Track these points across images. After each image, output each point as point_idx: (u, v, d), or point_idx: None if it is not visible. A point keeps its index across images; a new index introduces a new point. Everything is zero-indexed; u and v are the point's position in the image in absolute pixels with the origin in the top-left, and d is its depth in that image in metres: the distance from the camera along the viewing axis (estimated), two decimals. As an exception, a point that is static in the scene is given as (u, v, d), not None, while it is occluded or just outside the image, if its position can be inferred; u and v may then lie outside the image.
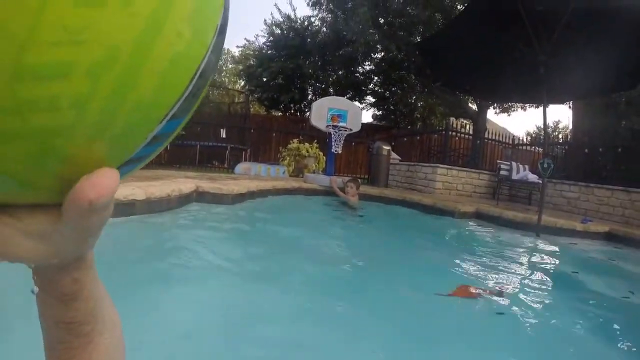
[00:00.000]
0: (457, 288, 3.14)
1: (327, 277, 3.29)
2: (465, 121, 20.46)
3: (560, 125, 35.14)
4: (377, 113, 22.28)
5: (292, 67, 18.60)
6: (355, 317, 2.52)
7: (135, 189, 4.31)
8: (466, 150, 13.55)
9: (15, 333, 1.62)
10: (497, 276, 3.90)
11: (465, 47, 7.10)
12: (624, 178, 9.05)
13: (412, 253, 4.72)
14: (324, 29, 20.17)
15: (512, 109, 20.54)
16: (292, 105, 20.24)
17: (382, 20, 17.33)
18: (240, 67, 26.33)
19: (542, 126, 6.91)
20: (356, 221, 6.64)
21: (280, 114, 21.26)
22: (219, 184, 5.96)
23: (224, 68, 40.34)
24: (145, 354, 1.58)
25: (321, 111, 9.46)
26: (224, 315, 2.28)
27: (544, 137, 7.59)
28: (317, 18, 20.55)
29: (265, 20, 20.36)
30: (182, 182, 5.42)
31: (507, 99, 15.02)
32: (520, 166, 10.15)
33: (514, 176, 9.91)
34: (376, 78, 20.90)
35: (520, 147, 13.40)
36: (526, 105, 19.33)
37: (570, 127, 16.71)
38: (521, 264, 4.68)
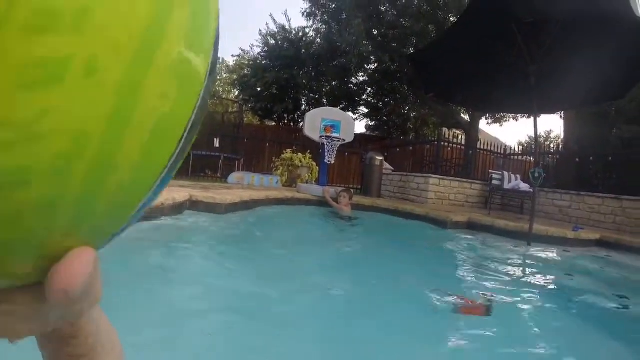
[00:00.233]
0: (461, 307, 3.15)
1: (319, 288, 3.31)
2: (457, 131, 20.58)
3: (552, 135, 35.35)
4: (370, 123, 22.35)
5: (286, 77, 18.65)
6: (347, 327, 2.54)
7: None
8: (459, 160, 13.64)
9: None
10: (488, 285, 3.93)
11: (457, 58, 7.16)
12: (615, 186, 9.15)
13: (404, 263, 4.73)
14: (318, 39, 20.27)
15: (504, 119, 20.68)
16: (285, 115, 20.28)
17: (375, 32, 17.45)
18: (235, 77, 26.39)
19: (534, 136, 6.98)
20: (348, 231, 6.66)
21: (273, 124, 21.30)
22: (213, 193, 5.98)
23: (219, 77, 40.38)
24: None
25: (314, 122, 9.51)
26: (215, 323, 2.30)
27: (535, 147, 7.66)
28: (312, 29, 20.67)
29: (260, 30, 20.43)
30: (175, 191, 5.43)
31: (498, 109, 15.12)
32: (512, 176, 10.23)
33: (506, 186, 9.98)
34: (369, 89, 21.00)
35: (512, 157, 13.49)
36: (518, 115, 19.46)
37: (562, 136, 16.86)
38: (513, 273, 4.71)
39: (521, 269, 5.03)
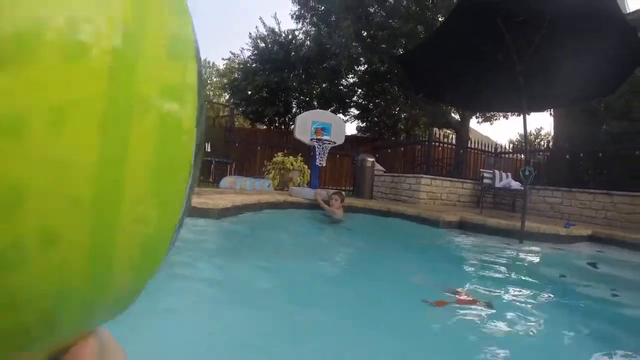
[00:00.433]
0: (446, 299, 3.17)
1: (312, 290, 3.30)
2: (448, 131, 20.67)
3: (543, 132, 35.58)
4: (361, 125, 22.41)
5: (276, 80, 18.67)
6: (341, 329, 2.54)
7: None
8: (450, 160, 13.68)
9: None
10: (481, 284, 3.94)
11: (446, 58, 7.18)
12: (606, 182, 9.22)
13: (397, 264, 4.74)
14: (308, 42, 20.31)
15: (495, 118, 20.80)
16: (276, 118, 20.29)
17: (365, 34, 17.50)
18: (225, 81, 26.37)
19: (524, 134, 7.01)
20: (341, 233, 6.66)
21: (265, 127, 21.30)
22: (205, 198, 5.96)
23: (209, 81, 40.36)
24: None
25: (305, 125, 9.50)
26: (208, 329, 2.30)
27: (525, 145, 7.70)
28: (301, 31, 20.72)
29: (250, 33, 20.43)
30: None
31: (488, 108, 15.18)
32: (503, 174, 10.28)
33: (497, 184, 10.03)
34: (360, 90, 21.06)
35: (502, 155, 13.56)
36: (508, 113, 19.57)
37: (552, 133, 16.96)
38: (505, 271, 4.72)
39: (513, 267, 5.04)
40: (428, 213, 7.58)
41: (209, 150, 15.04)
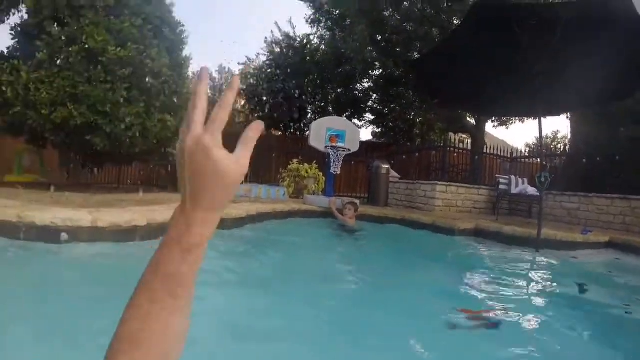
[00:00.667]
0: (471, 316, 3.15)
1: (327, 302, 3.31)
2: (464, 136, 20.52)
3: (559, 135, 35.13)
4: (377, 130, 22.33)
5: (291, 86, 18.70)
6: (355, 340, 2.54)
7: (136, 215, 4.36)
8: (465, 166, 13.57)
9: None
10: (497, 295, 3.91)
11: (461, 63, 7.15)
12: (623, 186, 9.08)
13: (412, 274, 4.71)
14: (323, 46, 20.33)
15: (510, 122, 20.58)
16: (292, 124, 20.31)
17: (379, 37, 17.45)
18: (241, 86, 26.47)
19: (539, 139, 6.94)
20: (356, 243, 6.64)
21: (280, 133, 21.34)
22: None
23: (224, 87, 40.54)
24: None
25: (319, 132, 9.51)
26: (223, 342, 2.31)
27: (540, 151, 7.63)
28: (316, 36, 20.73)
29: (265, 38, 20.50)
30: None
31: (503, 113, 15.08)
32: (519, 180, 10.18)
33: (513, 190, 9.93)
34: (375, 95, 20.99)
35: (518, 160, 13.42)
36: (524, 117, 19.38)
37: (569, 137, 16.76)
38: (521, 281, 4.68)
39: (529, 277, 5.00)
40: (443, 221, 7.53)
41: (224, 156, 15.11)
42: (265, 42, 20.53)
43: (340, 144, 9.35)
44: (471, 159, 13.92)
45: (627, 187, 8.93)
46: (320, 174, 11.22)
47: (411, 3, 16.05)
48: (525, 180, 10.29)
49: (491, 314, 3.26)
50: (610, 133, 11.80)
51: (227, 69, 41.21)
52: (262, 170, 15.61)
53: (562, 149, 15.12)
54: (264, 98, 19.77)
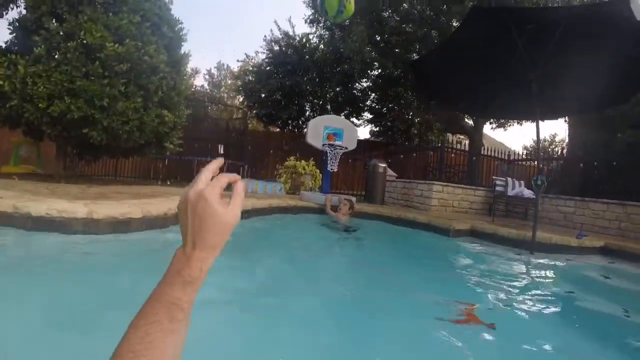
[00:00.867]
0: (465, 314, 3.15)
1: (320, 299, 3.30)
2: (462, 137, 20.56)
3: (557, 139, 35.24)
4: (375, 129, 22.36)
5: (290, 83, 18.69)
6: (345, 337, 2.54)
7: (131, 207, 4.36)
8: (462, 167, 13.60)
9: None
10: (490, 297, 3.92)
11: (458, 65, 7.15)
12: (620, 191, 9.11)
13: (406, 274, 4.72)
14: (322, 46, 20.33)
15: (508, 124, 20.62)
16: (290, 121, 20.31)
17: (378, 38, 17.48)
18: (239, 83, 26.50)
19: (536, 143, 6.96)
20: (350, 240, 6.64)
21: (278, 130, 21.33)
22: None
23: (223, 83, 40.63)
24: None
25: (317, 130, 9.52)
26: (216, 338, 2.31)
27: (537, 154, 7.64)
28: (315, 35, 20.74)
29: (264, 36, 20.53)
30: (178, 201, 5.45)
31: (501, 116, 15.10)
32: (516, 182, 10.20)
33: (510, 192, 9.96)
34: (373, 94, 21.02)
35: (516, 162, 13.45)
36: (521, 120, 19.43)
37: (567, 140, 16.80)
38: (515, 283, 4.68)
39: (523, 279, 5.00)
40: (438, 221, 7.54)
41: (221, 152, 15.16)
42: (265, 40, 20.55)
43: (337, 142, 9.37)
44: (468, 160, 13.95)
45: (624, 192, 8.96)
46: (317, 170, 11.23)
47: (410, 4, 16.07)
48: (522, 182, 10.32)
49: (479, 318, 3.27)
50: (608, 138, 11.86)
51: (225, 66, 41.39)
52: (259, 165, 15.64)
53: (559, 153, 15.15)
54: (263, 95, 19.76)
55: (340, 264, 5.01)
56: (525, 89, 6.46)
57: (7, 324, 2.10)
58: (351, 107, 20.60)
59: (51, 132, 7.25)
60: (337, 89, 20.20)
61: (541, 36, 5.93)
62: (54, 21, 7.12)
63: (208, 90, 38.20)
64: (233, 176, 0.82)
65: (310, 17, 19.95)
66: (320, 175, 10.89)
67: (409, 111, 20.65)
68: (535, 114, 6.63)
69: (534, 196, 7.25)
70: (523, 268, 5.55)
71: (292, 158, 11.64)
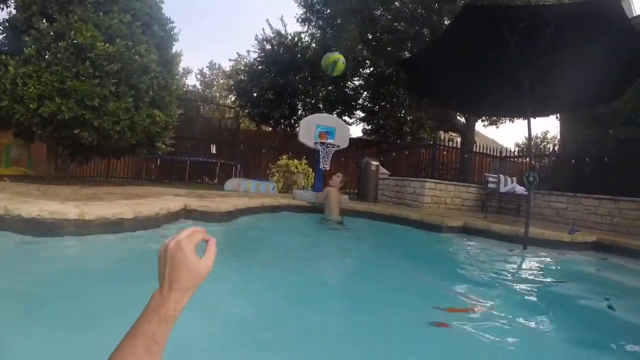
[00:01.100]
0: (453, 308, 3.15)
1: (310, 297, 3.30)
2: (454, 134, 20.61)
3: (549, 136, 35.38)
4: (367, 128, 22.38)
5: (282, 82, 18.68)
6: (339, 336, 2.54)
7: (123, 208, 4.34)
8: (455, 164, 13.64)
9: None
10: (480, 292, 3.93)
11: (450, 63, 7.15)
12: (612, 187, 9.17)
13: (399, 270, 4.72)
14: (314, 44, 20.32)
15: (500, 121, 20.71)
16: (282, 120, 20.30)
17: (370, 36, 17.50)
18: (231, 82, 26.44)
19: (528, 139, 6.98)
20: (342, 239, 6.64)
21: (270, 129, 21.31)
22: (207, 201, 5.99)
23: (215, 83, 40.53)
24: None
25: (309, 128, 9.51)
26: (209, 336, 2.30)
27: (529, 151, 7.67)
28: (307, 34, 20.74)
29: (256, 35, 20.48)
30: (170, 200, 5.45)
31: (493, 113, 15.15)
32: (508, 179, 10.24)
33: (502, 189, 9.99)
34: (365, 93, 21.05)
35: (508, 159, 13.50)
36: (513, 117, 19.50)
37: (558, 137, 16.88)
38: (508, 279, 4.71)
39: (516, 274, 5.03)
40: (431, 218, 7.56)
41: (214, 152, 15.12)
42: (256, 39, 20.51)
43: (329, 141, 9.36)
44: (461, 157, 13.99)
45: (615, 188, 9.02)
46: (310, 169, 11.23)
47: (402, 3, 16.08)
48: (514, 179, 10.35)
49: (477, 310, 3.28)
50: (599, 134, 11.92)
51: (217, 65, 41.30)
52: (252, 165, 15.61)
53: (551, 149, 15.22)
54: (255, 94, 19.73)
55: (333, 261, 5.00)
56: (516, 86, 6.48)
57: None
58: (343, 105, 20.60)
59: (42, 133, 7.20)
60: (329, 87, 20.21)
61: (533, 34, 5.95)
62: (44, 21, 7.06)
63: (200, 90, 38.10)
64: (208, 235, 0.95)
65: (302, 16, 19.95)
66: (313, 173, 10.89)
67: (401, 109, 20.70)
68: (527, 111, 6.65)
69: (526, 192, 7.28)
70: (516, 263, 5.58)
71: (284, 157, 11.65)
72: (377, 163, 11.38)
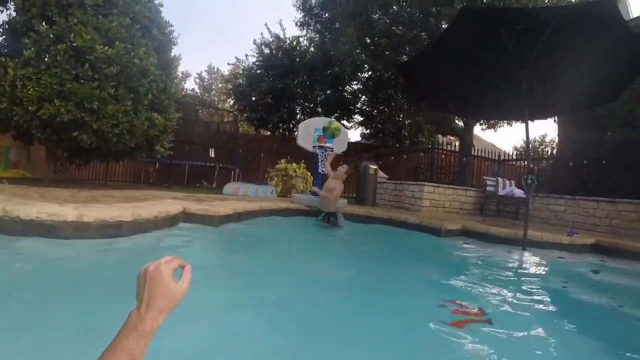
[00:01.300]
0: (462, 313, 3.14)
1: (311, 301, 3.28)
2: (452, 138, 20.62)
3: (547, 139, 35.40)
4: (366, 132, 22.38)
5: (280, 86, 18.67)
6: (338, 338, 2.53)
7: (122, 210, 4.34)
8: (453, 167, 13.65)
9: None
10: (483, 294, 3.93)
11: (448, 66, 7.16)
12: (610, 189, 9.18)
13: (398, 274, 4.71)
14: (312, 49, 20.34)
15: (499, 125, 20.70)
16: (280, 124, 20.29)
17: (368, 40, 17.50)
18: (230, 86, 26.43)
19: (526, 142, 6.99)
20: (341, 242, 6.63)
21: (269, 133, 21.31)
22: (206, 205, 5.99)
23: (213, 87, 40.52)
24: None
25: (307, 132, 9.52)
26: (206, 340, 2.29)
27: (527, 153, 7.68)
28: (306, 38, 20.76)
29: (254, 40, 20.48)
30: (169, 204, 5.45)
31: (490, 116, 15.16)
32: (507, 182, 10.25)
33: (500, 192, 10.00)
34: (364, 97, 21.06)
35: (506, 162, 13.51)
36: (511, 120, 19.51)
37: (556, 140, 16.90)
38: (507, 281, 4.70)
39: (514, 277, 5.01)
40: (430, 221, 7.55)
41: (213, 155, 15.11)
42: (255, 43, 20.51)
43: (328, 144, 9.37)
44: (459, 160, 14.00)
45: (614, 190, 9.03)
46: (309, 173, 11.23)
47: (400, 7, 16.10)
48: (513, 182, 10.36)
49: (477, 310, 3.27)
50: (597, 137, 11.93)
51: (216, 69, 41.31)
52: (250, 169, 15.61)
53: (549, 153, 15.23)
54: (253, 98, 19.74)
55: (332, 265, 4.99)
56: (514, 89, 6.49)
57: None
58: (342, 109, 20.60)
59: (41, 135, 7.21)
60: (328, 91, 20.22)
61: (530, 36, 5.96)
62: (43, 24, 7.08)
63: (199, 94, 38.09)
64: (185, 262, 1.03)
65: (301, 20, 19.99)
66: (312, 177, 10.89)
67: (400, 113, 20.70)
68: (525, 114, 6.66)
69: (525, 195, 7.29)
70: (515, 266, 5.57)
71: (283, 161, 11.64)
72: (375, 167, 11.39)
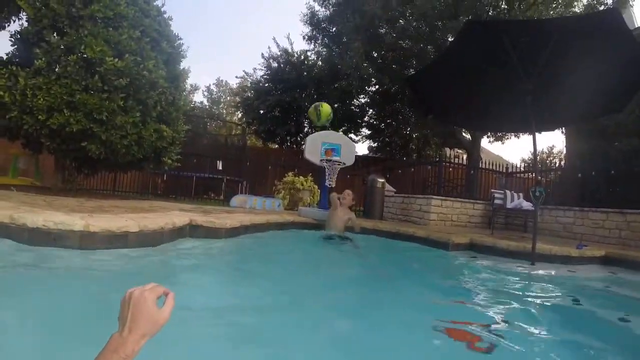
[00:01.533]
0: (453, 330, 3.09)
1: (315, 313, 3.26)
2: (459, 151, 20.61)
3: (555, 150, 35.30)
4: (373, 145, 22.42)
5: (288, 100, 18.78)
6: (343, 352, 2.51)
7: (128, 221, 4.34)
8: (461, 180, 13.60)
9: None
10: (491, 310, 3.88)
11: (454, 79, 7.17)
12: (619, 200, 9.10)
13: (405, 288, 4.65)
14: (320, 62, 20.47)
15: (506, 137, 20.69)
16: (288, 137, 20.36)
17: (375, 54, 17.62)
18: (238, 99, 26.60)
19: (533, 154, 6.96)
20: (348, 256, 6.57)
21: (276, 146, 21.38)
22: (213, 217, 5.97)
23: (222, 99, 40.80)
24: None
25: (315, 145, 9.52)
26: (212, 353, 2.28)
27: (534, 165, 7.64)
28: (313, 52, 20.92)
29: (262, 53, 20.65)
30: (176, 215, 5.44)
31: (497, 128, 15.14)
32: (515, 194, 10.18)
33: (508, 205, 9.93)
34: (371, 110, 21.14)
35: (514, 175, 13.45)
36: (518, 132, 19.47)
37: (564, 152, 16.84)
38: (516, 295, 4.63)
39: (523, 292, 4.93)
40: (437, 235, 7.49)
41: (220, 168, 15.15)
42: (263, 57, 20.68)
43: (335, 158, 9.36)
44: (467, 173, 13.95)
45: (623, 201, 8.95)
46: (316, 186, 11.22)
47: (406, 21, 16.21)
48: (521, 194, 10.28)
49: (478, 327, 3.23)
50: (605, 147, 11.86)
51: (224, 82, 41.63)
52: (257, 182, 15.62)
53: (557, 164, 15.16)
54: (261, 111, 19.84)
55: (339, 278, 4.95)
56: (520, 100, 6.47)
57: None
58: (349, 123, 20.67)
59: (50, 144, 7.27)
60: (335, 105, 20.27)
61: (535, 48, 5.97)
62: (55, 34, 7.19)
63: (207, 106, 38.36)
64: (168, 290, 1.06)
65: (308, 34, 20.15)
66: (319, 190, 10.87)
67: (407, 126, 20.76)
68: (531, 126, 6.64)
69: (533, 208, 7.23)
70: (524, 280, 5.50)
71: (290, 174, 11.65)
72: (383, 180, 11.35)
